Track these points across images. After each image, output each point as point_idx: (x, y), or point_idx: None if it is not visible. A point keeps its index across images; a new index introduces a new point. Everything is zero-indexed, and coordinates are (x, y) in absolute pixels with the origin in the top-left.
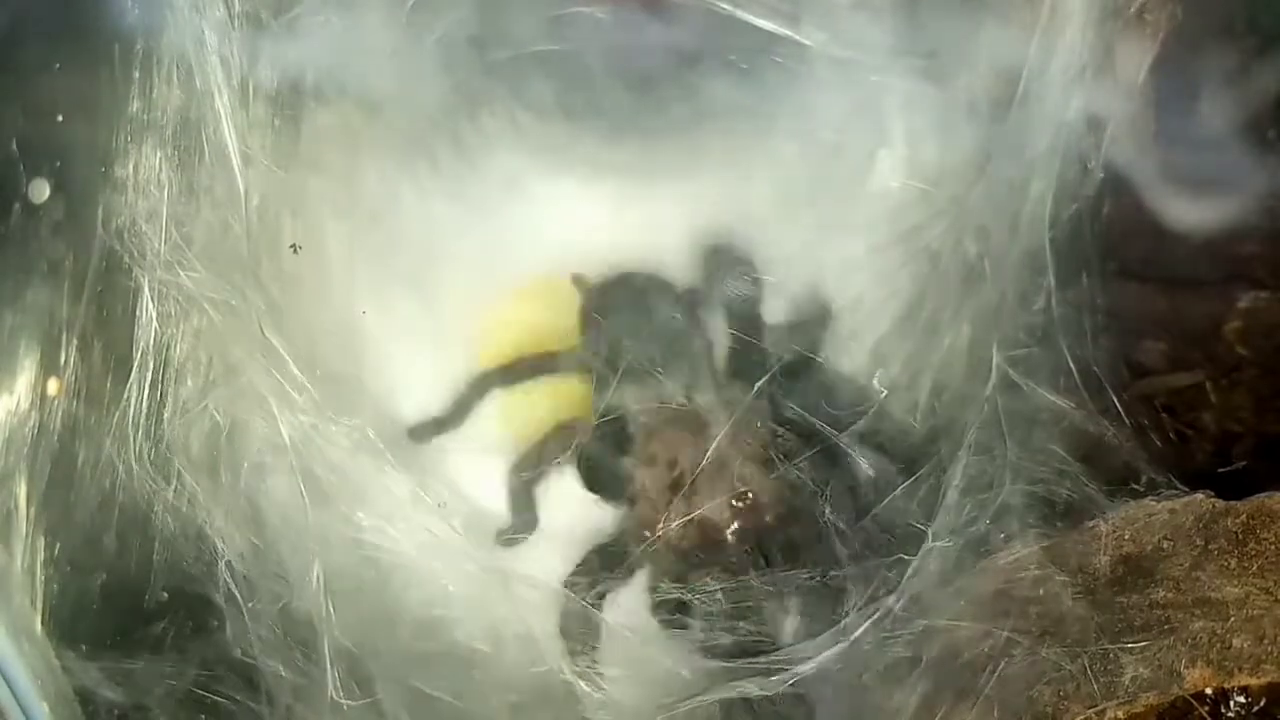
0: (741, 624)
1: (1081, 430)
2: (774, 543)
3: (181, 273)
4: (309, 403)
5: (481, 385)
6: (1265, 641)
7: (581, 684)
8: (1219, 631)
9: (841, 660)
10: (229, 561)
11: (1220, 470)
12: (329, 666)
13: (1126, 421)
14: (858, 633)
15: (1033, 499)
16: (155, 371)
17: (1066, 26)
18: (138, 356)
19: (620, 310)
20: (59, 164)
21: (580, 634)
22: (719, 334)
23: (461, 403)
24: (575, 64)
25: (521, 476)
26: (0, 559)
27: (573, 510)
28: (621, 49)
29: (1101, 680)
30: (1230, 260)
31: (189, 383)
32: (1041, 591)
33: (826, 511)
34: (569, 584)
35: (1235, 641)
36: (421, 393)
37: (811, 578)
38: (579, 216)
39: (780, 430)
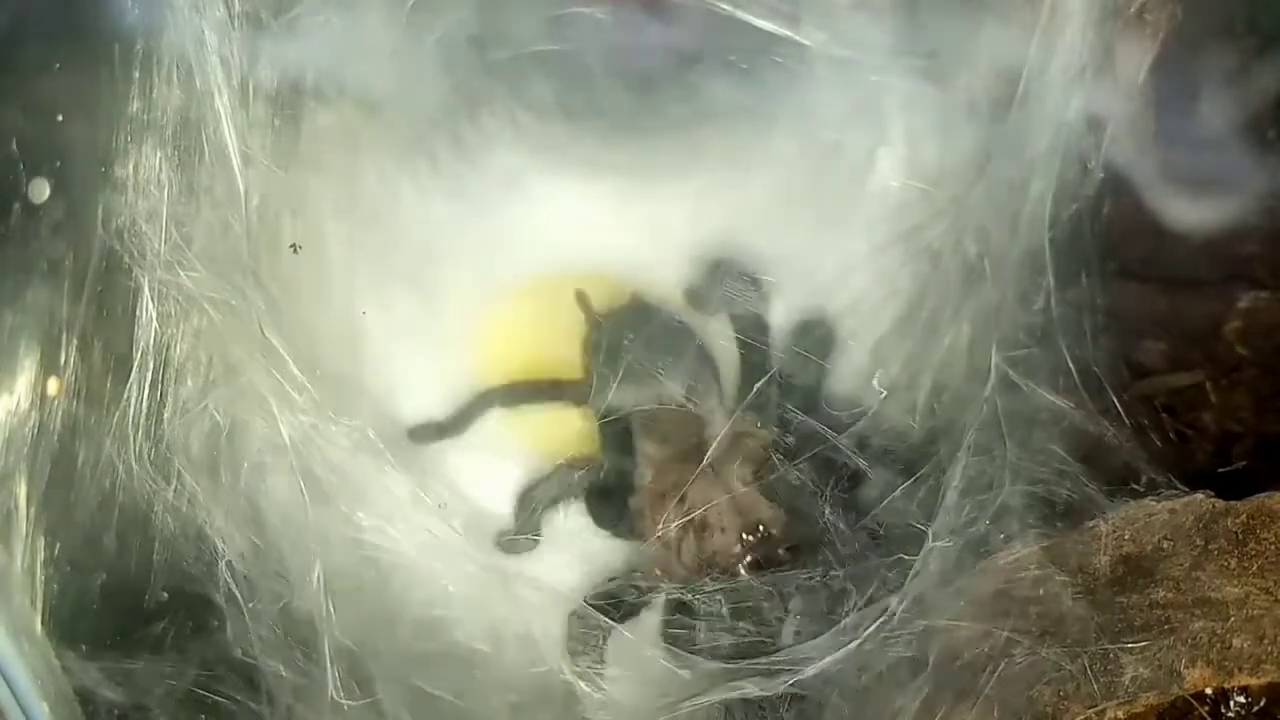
0: (742, 624)
1: (1081, 430)
2: (781, 560)
3: (181, 273)
4: (309, 403)
5: (484, 401)
6: (1265, 641)
7: (582, 684)
8: (1219, 631)
9: (842, 661)
10: (229, 561)
11: (1220, 470)
12: (329, 666)
13: (1126, 422)
14: (864, 634)
15: (1033, 499)
16: (155, 371)
17: (1066, 26)
18: (138, 356)
19: (628, 346)
20: (59, 164)
21: (586, 651)
22: (725, 352)
23: (463, 414)
24: (575, 64)
25: (529, 507)
26: (0, 559)
27: (577, 520)
28: (621, 49)
29: (1101, 680)
30: (1230, 260)
31: (189, 383)
32: (1041, 592)
33: (826, 513)
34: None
35: (1235, 641)
36: (421, 393)
37: (811, 578)
38: (579, 216)
39: (783, 440)
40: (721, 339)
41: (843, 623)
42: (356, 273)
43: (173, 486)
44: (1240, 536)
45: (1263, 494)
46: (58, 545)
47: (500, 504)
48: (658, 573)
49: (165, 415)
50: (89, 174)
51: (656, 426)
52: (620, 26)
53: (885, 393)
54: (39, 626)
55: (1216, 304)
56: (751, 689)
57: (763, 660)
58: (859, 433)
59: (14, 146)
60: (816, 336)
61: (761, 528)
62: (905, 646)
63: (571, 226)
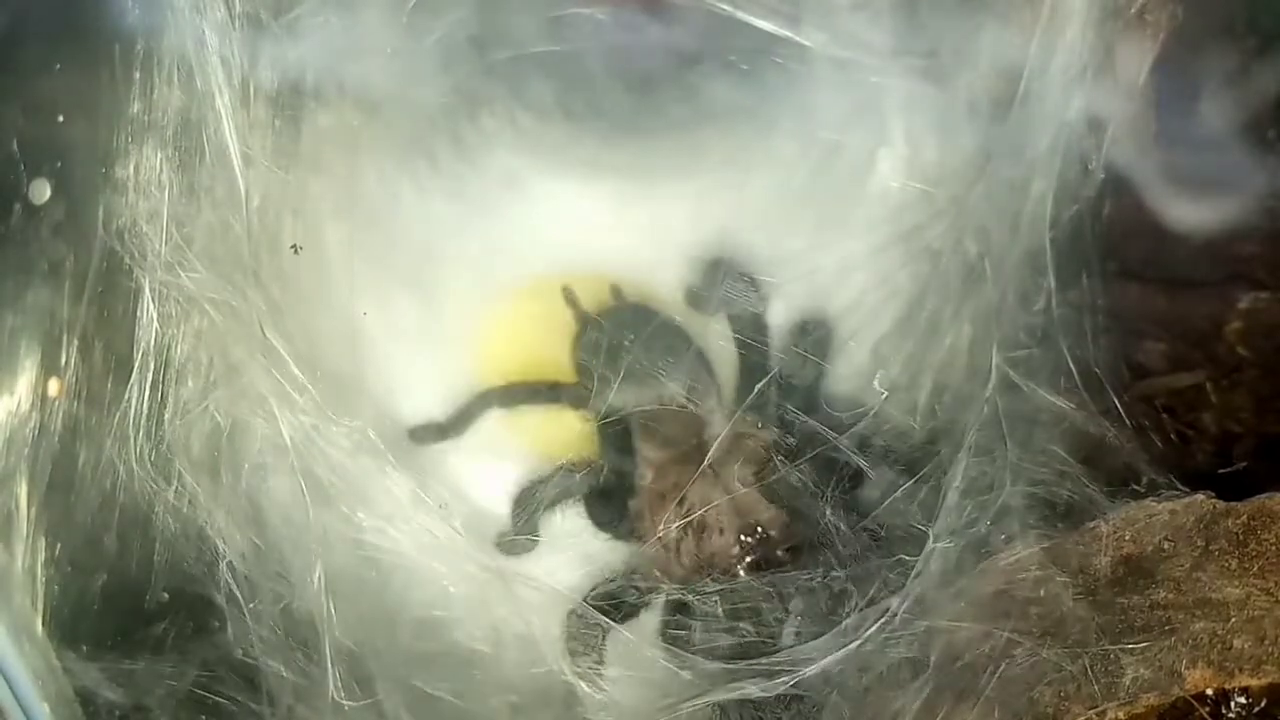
0: (742, 625)
1: (1082, 431)
2: (780, 560)
3: (182, 273)
4: (310, 403)
5: (482, 402)
6: (1266, 642)
7: (582, 685)
8: (1220, 632)
9: (843, 662)
10: (230, 562)
11: (1221, 471)
12: (330, 667)
13: (1127, 422)
14: (864, 635)
15: (1033, 500)
16: (156, 372)
17: (1066, 26)
18: (138, 357)
19: (627, 347)
20: (60, 164)
21: (586, 651)
22: (724, 352)
23: (462, 414)
24: (575, 64)
25: (527, 508)
26: (1, 559)
27: (576, 521)
28: (621, 50)
29: (1102, 681)
30: (1230, 261)
31: (190, 383)
32: (1042, 592)
33: (827, 513)
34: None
35: (1236, 642)
36: (422, 393)
37: (812, 579)
38: (579, 217)
39: (784, 441)
40: (721, 339)
41: (843, 623)
42: (357, 273)
43: (173, 487)
44: (1241, 537)
45: (1263, 495)
46: (58, 546)
47: (500, 504)
48: (657, 574)
49: (166, 416)
50: (90, 175)
51: (656, 428)
52: (620, 27)
53: (886, 393)
54: (40, 627)
55: (1217, 304)
56: (752, 689)
57: (763, 661)
58: (860, 433)
59: (15, 147)
60: (816, 337)
61: (760, 529)
62: (906, 647)
63: (571, 227)
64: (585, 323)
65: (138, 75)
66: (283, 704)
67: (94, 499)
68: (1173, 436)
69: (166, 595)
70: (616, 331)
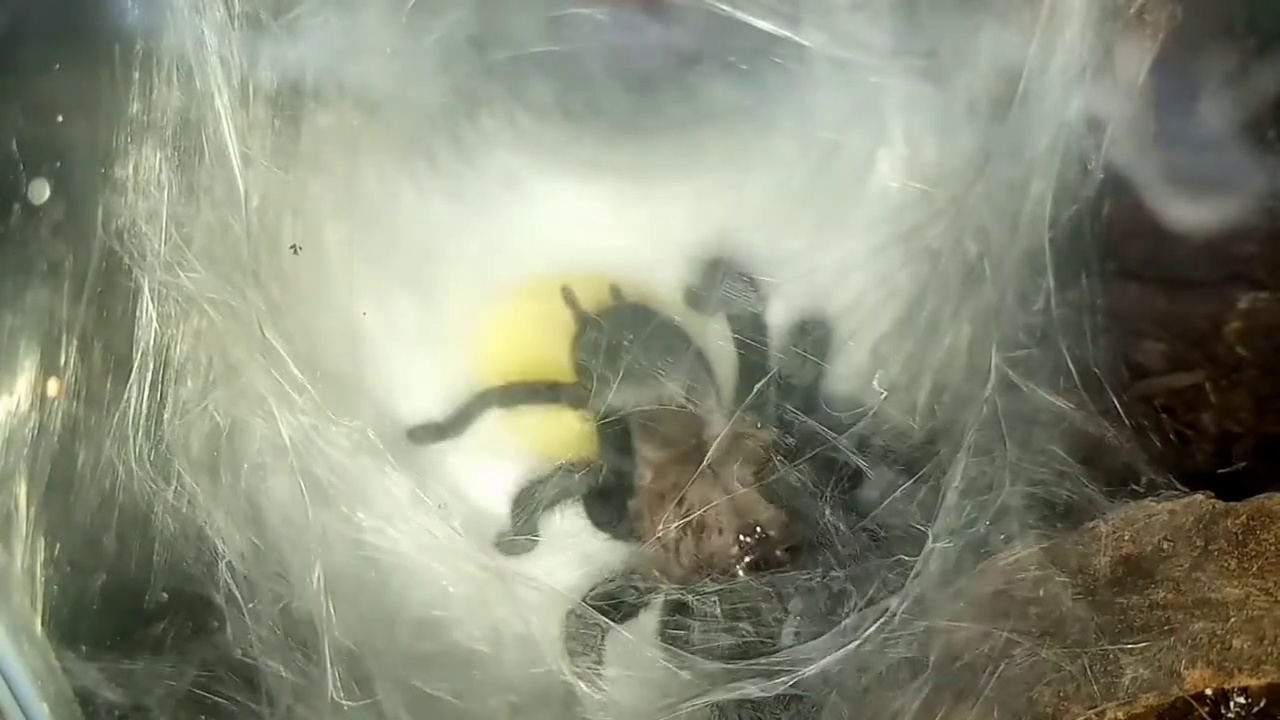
0: (741, 625)
1: (1081, 431)
2: (779, 560)
3: (181, 273)
4: (309, 403)
5: (482, 402)
6: (1265, 642)
7: (581, 685)
8: (1219, 632)
9: (842, 662)
10: (229, 562)
11: (1220, 471)
12: (329, 667)
13: (1126, 422)
14: (864, 635)
15: (1033, 500)
16: (155, 372)
17: (1066, 26)
18: (138, 357)
19: (626, 347)
20: (59, 164)
21: (585, 651)
22: (723, 353)
23: (461, 414)
24: (574, 64)
25: (527, 508)
26: (0, 559)
27: (575, 521)
28: (621, 50)
29: (1101, 681)
30: (1230, 261)
31: (189, 383)
32: (1041, 592)
33: (827, 513)
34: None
35: (1235, 642)
36: (421, 393)
37: (812, 579)
38: (578, 217)
39: (783, 441)
40: (721, 339)
41: (843, 623)
42: (356, 273)
43: (173, 487)
44: (1240, 537)
45: (1263, 495)
46: (58, 546)
47: (499, 504)
48: (656, 574)
49: (165, 416)
50: (89, 175)
51: (655, 428)
52: (620, 27)
53: (885, 393)
54: (39, 627)
55: (1216, 305)
56: (751, 690)
57: (762, 661)
58: (859, 433)
59: (14, 147)
60: (816, 337)
61: (759, 529)
62: (905, 647)
63: (571, 227)
64: (584, 323)
65: (137, 75)
66: (282, 704)
67: (93, 499)
68: (1172, 436)
69: (166, 595)
70: (616, 331)
